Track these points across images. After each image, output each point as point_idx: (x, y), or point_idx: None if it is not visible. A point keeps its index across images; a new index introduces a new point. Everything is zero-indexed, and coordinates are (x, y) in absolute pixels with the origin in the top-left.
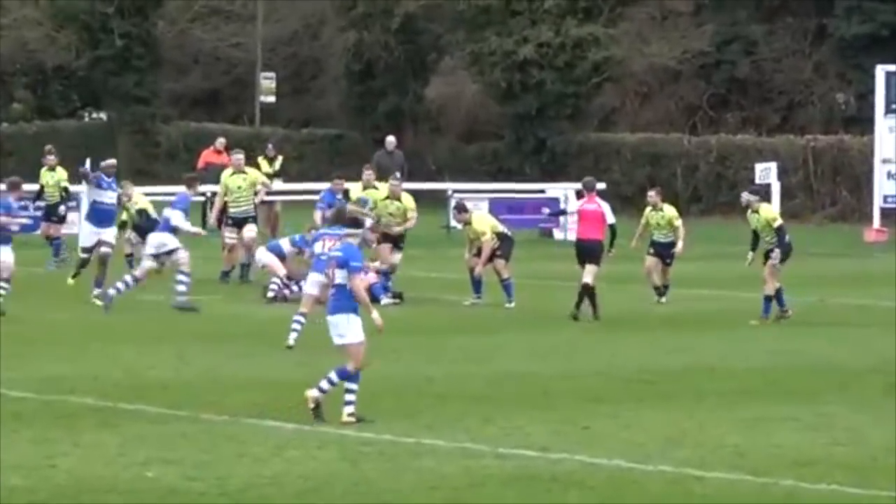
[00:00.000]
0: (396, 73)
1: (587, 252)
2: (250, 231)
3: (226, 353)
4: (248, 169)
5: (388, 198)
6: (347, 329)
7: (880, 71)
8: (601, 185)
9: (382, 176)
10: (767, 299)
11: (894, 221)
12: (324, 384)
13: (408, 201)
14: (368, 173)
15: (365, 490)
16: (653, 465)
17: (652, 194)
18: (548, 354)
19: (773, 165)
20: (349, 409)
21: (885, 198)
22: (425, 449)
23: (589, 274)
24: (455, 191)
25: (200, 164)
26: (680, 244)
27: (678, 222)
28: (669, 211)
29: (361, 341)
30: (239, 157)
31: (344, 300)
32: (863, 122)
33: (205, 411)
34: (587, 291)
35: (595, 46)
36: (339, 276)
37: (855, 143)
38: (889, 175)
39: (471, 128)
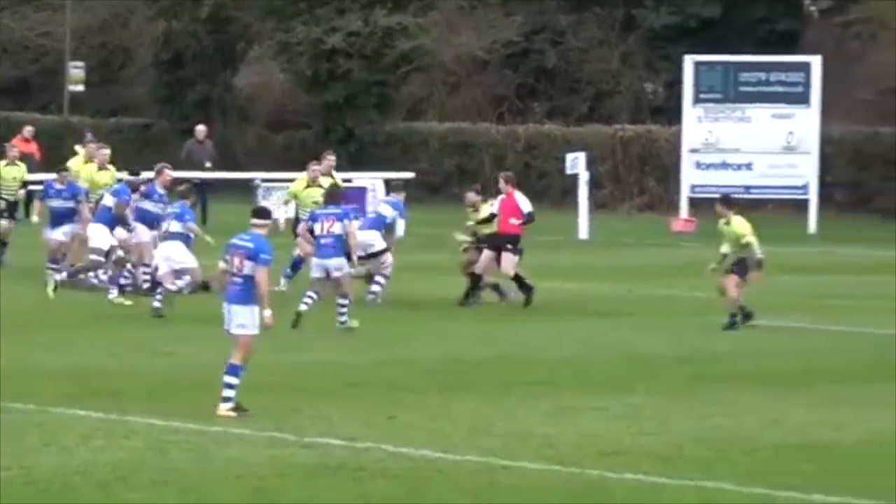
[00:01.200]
0: (205, 62)
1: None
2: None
3: (35, 342)
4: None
5: (308, 186)
6: (250, 320)
7: (688, 61)
8: (409, 175)
9: (194, 166)
10: (733, 316)
11: (702, 211)
12: (228, 393)
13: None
14: (330, 160)
15: (172, 479)
16: (459, 454)
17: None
18: (356, 344)
19: (581, 155)
20: (228, 404)
21: (693, 187)
22: (232, 438)
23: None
24: (263, 180)
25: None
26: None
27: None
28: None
29: (256, 334)
30: (104, 151)
31: (249, 291)
32: (670, 112)
33: (12, 400)
34: (519, 282)
35: (404, 36)
36: (247, 268)
37: (663, 132)
38: (697, 165)
39: (279, 117)
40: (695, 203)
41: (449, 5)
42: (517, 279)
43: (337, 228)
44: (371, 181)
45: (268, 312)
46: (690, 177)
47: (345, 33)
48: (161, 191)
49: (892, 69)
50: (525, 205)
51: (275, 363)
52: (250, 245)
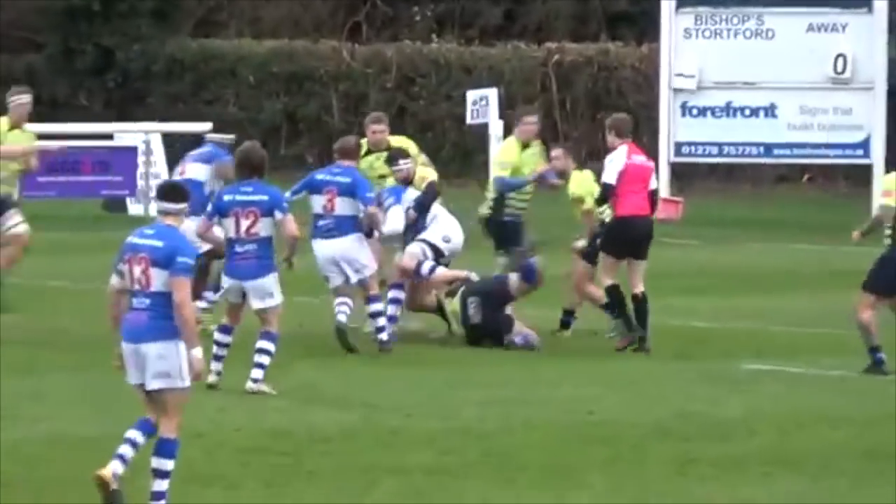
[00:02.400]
0: None
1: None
2: None
3: None
4: None
5: None
6: (174, 364)
7: None
8: (205, 126)
9: None
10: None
11: (692, 184)
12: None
13: None
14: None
15: None
16: None
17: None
18: None
19: (491, 93)
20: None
21: (679, 146)
22: None
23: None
24: None
25: None
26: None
27: None
28: None
29: (185, 388)
30: None
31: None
32: (641, 23)
33: None
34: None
35: None
36: (157, 279)
37: (628, 55)
38: (685, 110)
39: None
40: (681, 172)
41: None
42: None
43: None
44: (144, 135)
45: (197, 352)
46: (675, 129)
47: None
48: None
49: None
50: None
51: None
52: (159, 244)
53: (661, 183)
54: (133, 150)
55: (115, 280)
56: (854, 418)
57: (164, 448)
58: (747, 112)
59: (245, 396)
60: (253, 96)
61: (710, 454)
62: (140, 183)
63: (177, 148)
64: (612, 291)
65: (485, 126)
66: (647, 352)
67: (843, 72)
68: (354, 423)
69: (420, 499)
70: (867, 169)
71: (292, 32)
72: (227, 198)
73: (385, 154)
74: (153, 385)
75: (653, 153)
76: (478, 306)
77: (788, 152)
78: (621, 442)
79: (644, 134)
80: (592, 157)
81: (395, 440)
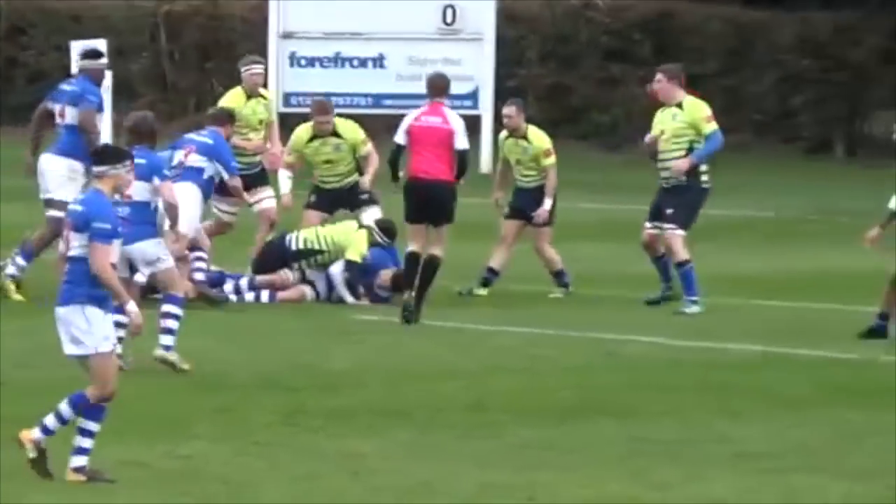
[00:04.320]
0: None
1: None
2: None
3: None
4: None
5: None
6: (89, 329)
7: None
8: None
9: None
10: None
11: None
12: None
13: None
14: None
15: None
16: None
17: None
18: None
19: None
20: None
21: (287, 97)
22: None
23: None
24: None
25: None
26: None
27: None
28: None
29: (108, 352)
30: None
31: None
32: None
33: None
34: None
35: None
36: (77, 242)
37: (236, 6)
38: (293, 60)
39: None
40: (289, 122)
41: None
42: None
43: None
44: None
45: (131, 306)
46: (285, 80)
47: None
48: None
49: None
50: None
51: None
52: (79, 208)
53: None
54: None
55: (60, 246)
56: (462, 371)
57: (89, 412)
58: (356, 63)
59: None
60: None
61: (318, 405)
62: None
63: None
64: (408, 258)
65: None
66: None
67: (452, 23)
68: None
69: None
70: (477, 119)
71: None
72: None
73: (331, 139)
74: (67, 350)
75: None
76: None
77: (398, 103)
78: (230, 392)
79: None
80: (201, 108)
81: None
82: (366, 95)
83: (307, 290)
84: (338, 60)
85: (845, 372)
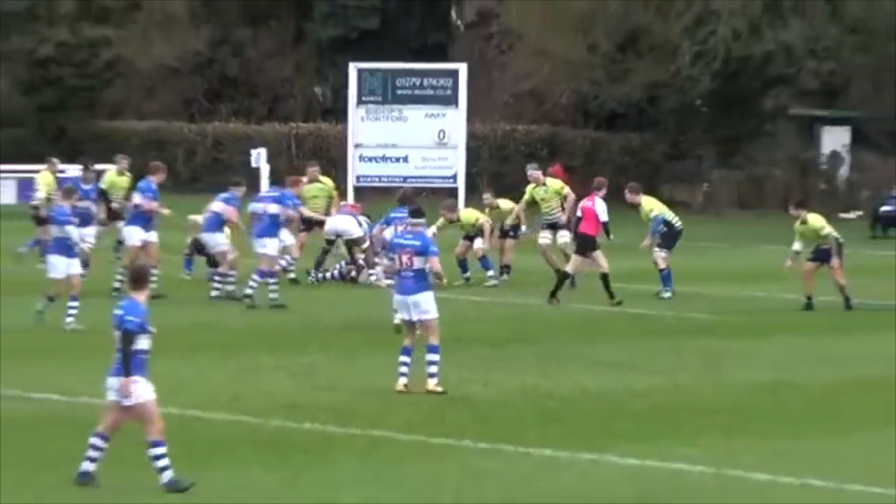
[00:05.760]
0: None
1: (584, 244)
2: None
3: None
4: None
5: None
6: (431, 305)
7: (352, 68)
8: (112, 167)
9: None
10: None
11: (365, 197)
12: (433, 369)
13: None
14: (313, 169)
15: None
16: (161, 407)
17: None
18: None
19: (262, 150)
20: (434, 380)
21: (358, 177)
22: None
23: (572, 263)
24: None
25: None
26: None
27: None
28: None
29: (437, 316)
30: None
31: (422, 281)
32: (338, 113)
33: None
34: (566, 277)
35: (107, 46)
36: (417, 263)
37: (332, 130)
38: (361, 158)
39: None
40: (359, 190)
41: (144, 18)
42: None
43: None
44: (78, 171)
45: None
46: (356, 168)
47: (55, 43)
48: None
49: (526, 75)
50: (602, 214)
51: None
52: (417, 243)
53: (349, 196)
54: (76, 178)
55: (386, 261)
56: None
57: (432, 349)
58: (393, 159)
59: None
60: (137, 151)
61: None
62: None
63: None
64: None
65: (258, 168)
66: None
67: (443, 138)
68: None
69: None
70: (455, 190)
71: (158, 116)
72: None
73: (314, 185)
74: (418, 317)
75: (343, 181)
76: None
77: (415, 182)
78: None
79: (339, 170)
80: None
81: None
82: (398, 177)
83: None
84: (384, 158)
85: None
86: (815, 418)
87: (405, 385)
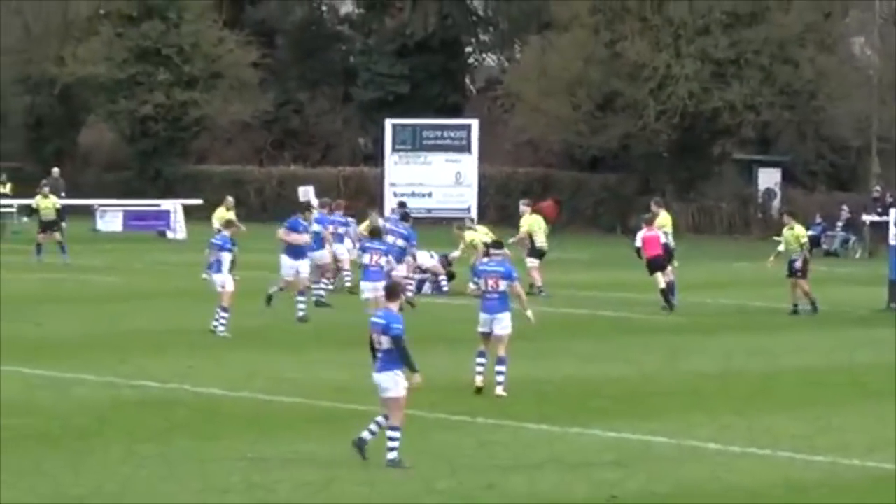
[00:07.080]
0: (57, 124)
1: (655, 264)
2: None
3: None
4: None
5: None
6: (510, 323)
7: (388, 123)
8: (199, 201)
9: (53, 191)
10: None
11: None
12: (501, 378)
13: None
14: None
15: (35, 413)
16: (237, 392)
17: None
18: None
19: (310, 187)
20: (500, 387)
21: (393, 210)
22: (78, 381)
23: (660, 279)
24: (100, 205)
25: None
26: None
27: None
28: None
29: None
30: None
31: (505, 302)
32: (377, 158)
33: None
34: (669, 288)
35: (194, 106)
36: (502, 286)
37: (372, 172)
38: (395, 194)
39: (110, 162)
40: None
41: (224, 84)
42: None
43: (382, 261)
44: (173, 205)
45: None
46: (391, 202)
47: (154, 104)
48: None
49: (525, 129)
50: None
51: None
52: (501, 269)
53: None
54: (168, 211)
55: (472, 286)
56: None
57: (500, 360)
58: (420, 195)
59: None
60: (217, 189)
61: None
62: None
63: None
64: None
65: (308, 202)
66: None
67: (460, 179)
68: None
69: None
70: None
71: (235, 161)
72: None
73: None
74: (499, 332)
75: (382, 213)
76: None
77: (438, 215)
78: None
79: (377, 205)
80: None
81: None
82: (424, 209)
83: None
84: (412, 194)
85: None
86: (754, 399)
87: (481, 381)
